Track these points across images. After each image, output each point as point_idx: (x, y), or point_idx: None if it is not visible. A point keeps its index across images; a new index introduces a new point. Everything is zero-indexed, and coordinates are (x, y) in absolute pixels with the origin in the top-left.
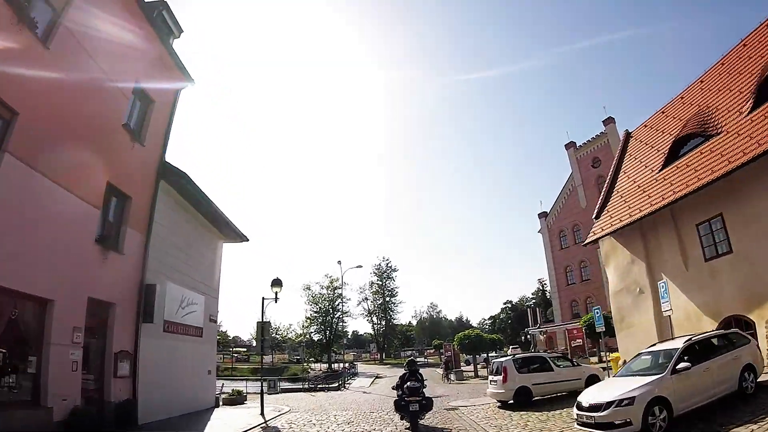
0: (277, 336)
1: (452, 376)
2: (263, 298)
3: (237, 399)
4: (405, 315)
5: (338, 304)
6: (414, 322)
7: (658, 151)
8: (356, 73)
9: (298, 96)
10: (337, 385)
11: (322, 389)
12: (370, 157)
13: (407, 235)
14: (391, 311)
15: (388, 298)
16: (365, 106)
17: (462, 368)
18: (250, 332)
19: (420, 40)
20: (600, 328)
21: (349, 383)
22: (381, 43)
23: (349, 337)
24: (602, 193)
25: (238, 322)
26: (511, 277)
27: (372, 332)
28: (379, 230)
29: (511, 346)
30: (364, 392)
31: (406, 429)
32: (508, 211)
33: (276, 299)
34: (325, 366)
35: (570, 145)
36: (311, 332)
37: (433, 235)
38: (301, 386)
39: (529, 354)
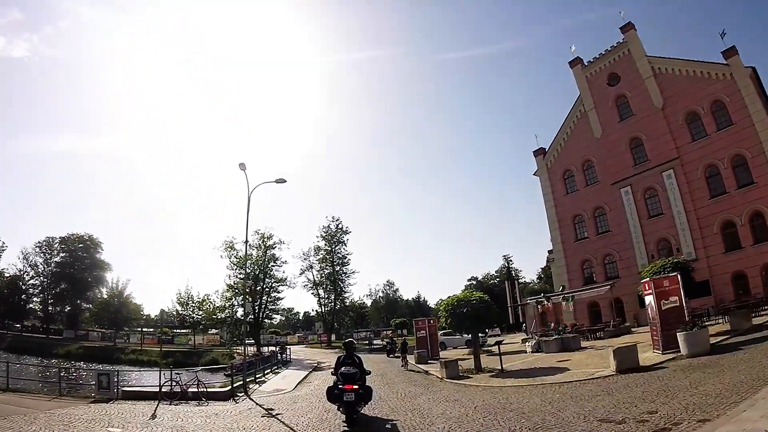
0: (200, 312)
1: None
2: None
3: None
4: (358, 289)
5: (270, 266)
6: (368, 303)
7: None
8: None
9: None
10: (229, 389)
11: (198, 398)
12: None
13: (360, 208)
14: (342, 282)
15: (338, 267)
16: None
17: (442, 355)
18: (167, 306)
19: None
20: None
21: (264, 380)
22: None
23: (300, 318)
24: None
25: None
26: (473, 255)
27: (319, 309)
28: (331, 204)
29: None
30: (268, 412)
31: (343, 422)
32: (473, 173)
33: None
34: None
35: (575, 63)
36: (234, 305)
37: (388, 210)
38: (175, 386)
39: None
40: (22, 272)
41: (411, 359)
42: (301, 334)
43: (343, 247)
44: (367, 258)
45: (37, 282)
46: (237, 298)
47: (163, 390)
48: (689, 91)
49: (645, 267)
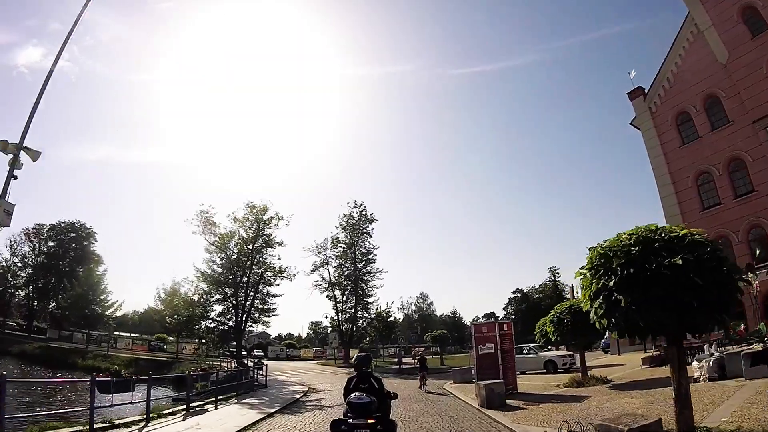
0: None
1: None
2: None
3: None
4: (385, 294)
5: (263, 251)
6: (400, 317)
7: None
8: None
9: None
10: None
11: None
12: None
13: (391, 222)
14: (365, 284)
15: (360, 265)
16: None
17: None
18: (147, 302)
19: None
20: None
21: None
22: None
23: (328, 331)
24: None
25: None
26: (511, 269)
27: (335, 316)
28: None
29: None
30: None
31: None
32: (511, 175)
33: None
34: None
35: None
36: (209, 300)
37: (420, 227)
38: None
39: None
40: (9, 263)
41: (455, 390)
42: (318, 348)
43: (368, 239)
44: (398, 266)
45: (23, 274)
46: (213, 290)
47: None
48: None
49: None
